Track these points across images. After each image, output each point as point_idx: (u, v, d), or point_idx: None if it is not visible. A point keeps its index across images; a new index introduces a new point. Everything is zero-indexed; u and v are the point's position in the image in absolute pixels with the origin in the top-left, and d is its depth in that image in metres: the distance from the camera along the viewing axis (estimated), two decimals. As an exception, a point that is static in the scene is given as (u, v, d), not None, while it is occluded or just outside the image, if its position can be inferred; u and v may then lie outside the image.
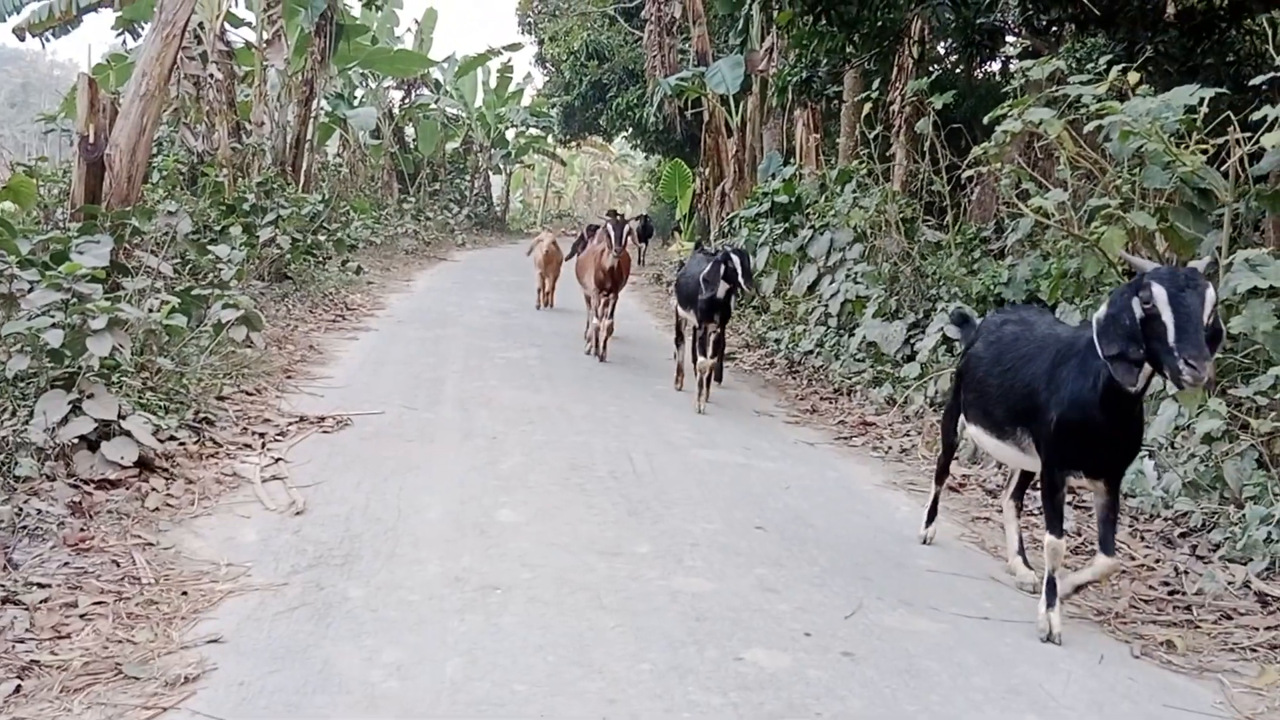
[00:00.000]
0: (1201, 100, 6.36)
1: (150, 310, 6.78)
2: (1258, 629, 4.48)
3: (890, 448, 7.62)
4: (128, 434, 5.55)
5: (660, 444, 7.28)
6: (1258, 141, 5.97)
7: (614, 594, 4.49)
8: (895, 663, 4.02)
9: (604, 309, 10.70)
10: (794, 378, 10.48)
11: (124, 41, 18.61)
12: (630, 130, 30.15)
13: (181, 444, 6.12)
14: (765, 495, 6.27)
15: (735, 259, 8.31)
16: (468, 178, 35.23)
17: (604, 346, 10.77)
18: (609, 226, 10.51)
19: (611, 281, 10.61)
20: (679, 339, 9.89)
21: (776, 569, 4.97)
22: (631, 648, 3.97)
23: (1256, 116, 5.98)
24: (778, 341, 11.65)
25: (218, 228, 11.45)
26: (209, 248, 9.68)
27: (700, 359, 8.68)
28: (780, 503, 6.13)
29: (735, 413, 8.68)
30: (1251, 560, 4.99)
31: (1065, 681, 3.99)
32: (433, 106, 31.06)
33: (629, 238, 10.70)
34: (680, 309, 9.47)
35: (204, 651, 3.76)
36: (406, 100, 30.95)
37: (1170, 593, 4.91)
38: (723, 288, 8.40)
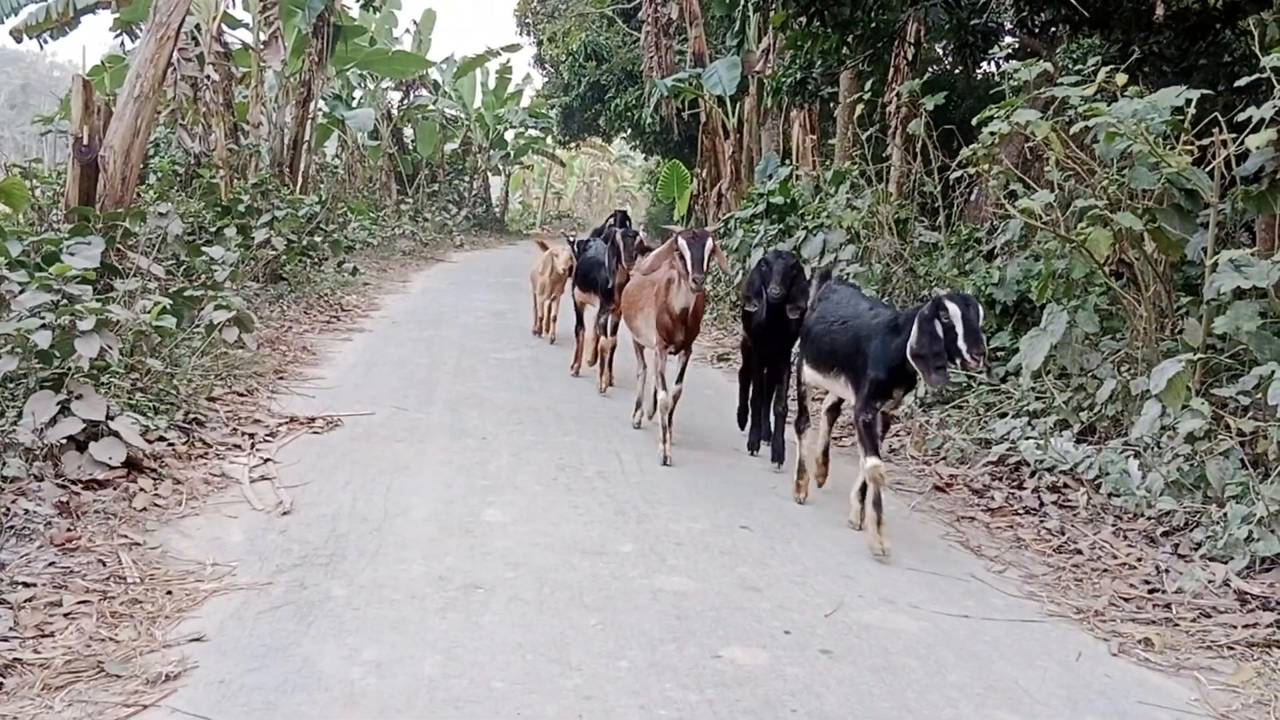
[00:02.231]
0: (1188, 101, 6.39)
1: (141, 311, 6.81)
2: (1236, 627, 4.50)
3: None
4: (116, 434, 5.58)
5: (649, 444, 7.30)
6: (1243, 142, 5.99)
7: (596, 593, 4.52)
8: (873, 660, 4.05)
9: (665, 366, 7.09)
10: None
11: (121, 43, 18.63)
12: (629, 131, 30.18)
13: (170, 444, 6.16)
14: (752, 495, 6.29)
15: (958, 310, 5.03)
16: (466, 179, 35.23)
17: (669, 433, 7.02)
18: (683, 242, 6.55)
19: (684, 332, 6.96)
20: (802, 416, 6.52)
21: (759, 568, 5.00)
22: (610, 646, 4.00)
23: (1243, 117, 6.00)
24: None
25: (213, 229, 11.47)
26: (203, 249, 9.71)
27: (869, 460, 5.36)
28: (766, 502, 6.15)
29: (725, 414, 8.69)
30: (1232, 559, 5.01)
31: (1042, 679, 4.02)
32: (431, 107, 31.08)
33: (714, 258, 6.77)
34: (814, 371, 6.10)
35: (186, 650, 3.79)
36: (405, 101, 30.97)
37: (1150, 591, 4.94)
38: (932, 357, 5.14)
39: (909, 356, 5.18)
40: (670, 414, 7.02)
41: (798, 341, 6.42)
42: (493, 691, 3.58)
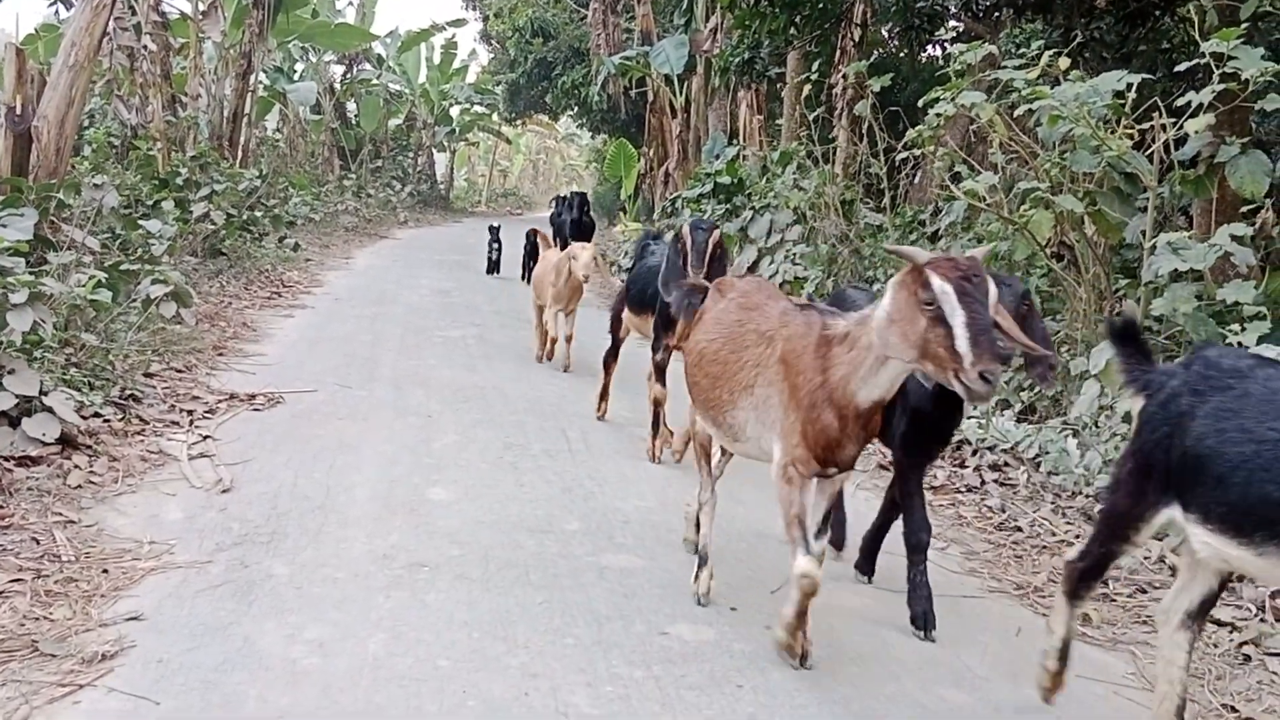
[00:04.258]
0: (1130, 86, 6.47)
1: (76, 285, 6.65)
2: (1170, 602, 4.60)
3: (824, 427, 7.67)
4: (50, 410, 5.43)
5: (596, 423, 7.29)
6: (1182, 126, 6.09)
7: (542, 571, 4.51)
8: (818, 636, 4.06)
9: (806, 500, 3.76)
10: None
11: (56, 11, 18.07)
12: (576, 109, 30.07)
13: (106, 421, 6.02)
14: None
15: None
16: (411, 155, 34.85)
17: (804, 637, 3.87)
18: (948, 289, 3.22)
19: (859, 442, 3.73)
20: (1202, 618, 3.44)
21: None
22: (557, 623, 3.99)
23: (1182, 102, 6.10)
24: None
25: (150, 202, 11.23)
26: (140, 222, 9.50)
27: None
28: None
29: (675, 393, 8.69)
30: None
31: (982, 654, 4.08)
32: (375, 82, 30.65)
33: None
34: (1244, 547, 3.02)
35: (123, 629, 3.71)
36: (348, 75, 30.54)
37: (1088, 568, 5.02)
38: None
39: None
40: (805, 607, 3.75)
41: (1182, 465, 3.18)
42: (438, 670, 3.56)
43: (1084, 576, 3.55)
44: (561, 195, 15.06)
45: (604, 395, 7.48)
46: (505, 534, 4.92)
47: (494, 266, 16.12)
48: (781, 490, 3.73)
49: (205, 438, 6.15)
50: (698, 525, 4.58)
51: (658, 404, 6.66)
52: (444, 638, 3.80)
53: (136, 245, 9.27)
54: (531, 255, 14.62)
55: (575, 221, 14.01)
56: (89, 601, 3.93)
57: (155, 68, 15.29)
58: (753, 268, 11.63)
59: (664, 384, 6.64)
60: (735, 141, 17.21)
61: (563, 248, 9.78)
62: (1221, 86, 5.83)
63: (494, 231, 16.13)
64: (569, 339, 9.15)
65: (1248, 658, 4.16)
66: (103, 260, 8.19)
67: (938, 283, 3.21)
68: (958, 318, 3.17)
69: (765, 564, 4.83)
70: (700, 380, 4.23)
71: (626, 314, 7.26)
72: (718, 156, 16.27)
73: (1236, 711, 3.78)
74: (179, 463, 5.66)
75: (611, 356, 7.49)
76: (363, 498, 5.29)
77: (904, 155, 8.99)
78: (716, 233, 5.95)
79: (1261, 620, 4.35)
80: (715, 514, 4.54)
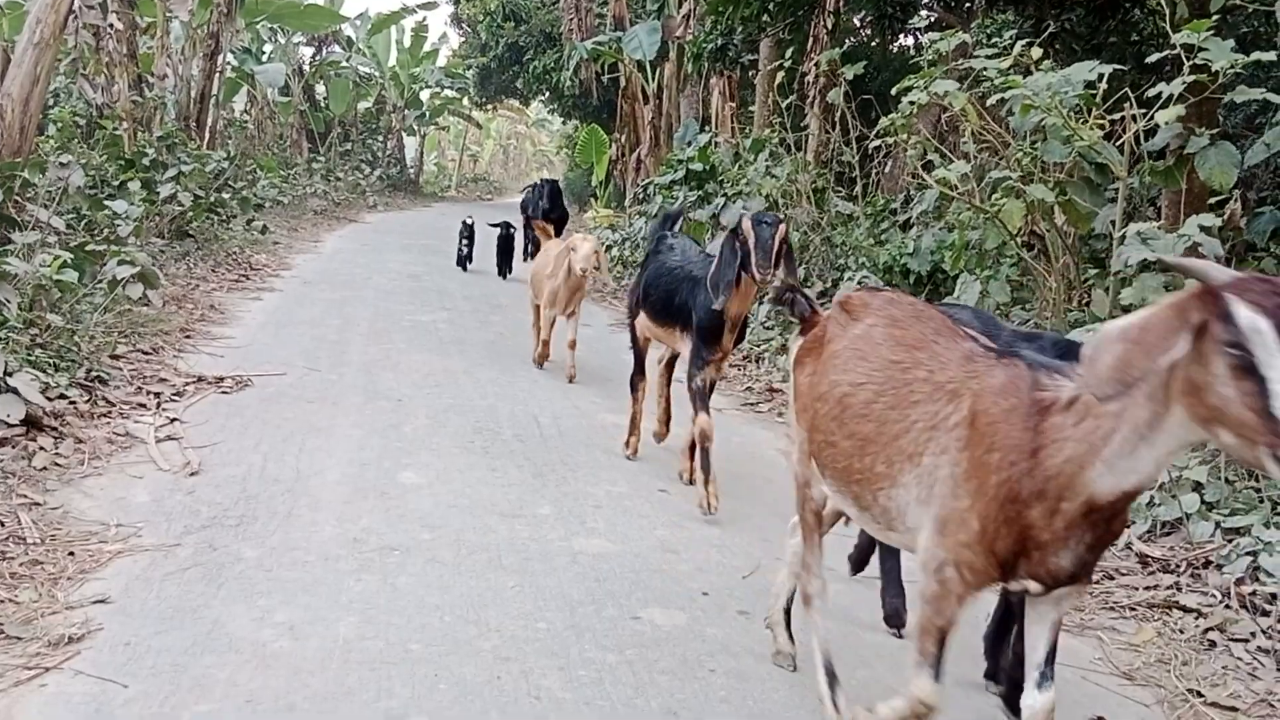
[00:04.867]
0: (1101, 76, 6.51)
1: (40, 265, 6.55)
2: (1137, 589, 4.66)
3: (795, 414, 7.69)
4: (14, 391, 5.35)
5: (567, 408, 7.28)
6: (1152, 118, 6.13)
7: (514, 555, 4.50)
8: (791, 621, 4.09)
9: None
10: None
11: (19, -13, 17.86)
12: (547, 94, 29.91)
13: (72, 403, 5.94)
14: (671, 459, 6.30)
15: None
16: (380, 138, 34.58)
17: None
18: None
19: (1092, 541, 2.56)
20: None
21: (678, 530, 5.02)
22: (529, 607, 3.98)
23: (1153, 93, 6.14)
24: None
25: (116, 183, 11.08)
26: (106, 203, 9.38)
27: None
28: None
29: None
30: (1134, 523, 5.17)
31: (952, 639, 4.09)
32: (344, 64, 30.33)
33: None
34: None
35: (90, 612, 3.68)
36: (317, 57, 30.25)
37: (1056, 554, 5.07)
38: None
39: None
40: None
41: None
42: (409, 653, 3.54)
43: None
44: (534, 183, 14.76)
45: (634, 426, 6.30)
46: (477, 518, 4.91)
47: (463, 261, 14.96)
48: (930, 589, 2.70)
49: (173, 420, 6.09)
50: (786, 623, 3.79)
51: (705, 439, 5.41)
52: (415, 621, 3.79)
53: (102, 226, 9.16)
54: (505, 251, 14.27)
55: (546, 211, 13.86)
56: (55, 584, 3.88)
57: (121, 46, 15.05)
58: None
59: (708, 412, 5.49)
60: (707, 128, 17.17)
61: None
62: (1191, 78, 5.87)
63: (467, 228, 14.77)
64: (573, 342, 8.19)
65: (1213, 643, 4.21)
66: (68, 240, 8.08)
67: (1247, 316, 2.12)
68: (1277, 369, 2.09)
69: (736, 549, 4.85)
70: (841, 443, 3.04)
71: (645, 323, 6.11)
72: (690, 143, 16.23)
73: (1202, 696, 3.83)
74: (146, 445, 5.61)
75: (639, 375, 6.35)
76: (333, 481, 5.27)
77: (876, 144, 9.01)
78: (782, 227, 5.08)
79: (1227, 607, 4.40)
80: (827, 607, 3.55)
